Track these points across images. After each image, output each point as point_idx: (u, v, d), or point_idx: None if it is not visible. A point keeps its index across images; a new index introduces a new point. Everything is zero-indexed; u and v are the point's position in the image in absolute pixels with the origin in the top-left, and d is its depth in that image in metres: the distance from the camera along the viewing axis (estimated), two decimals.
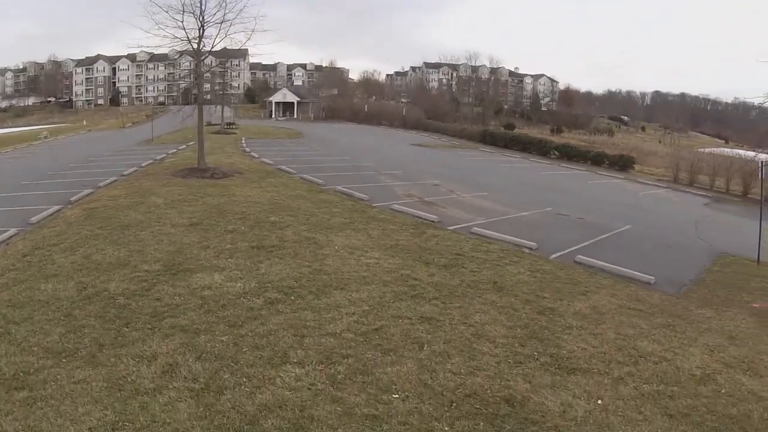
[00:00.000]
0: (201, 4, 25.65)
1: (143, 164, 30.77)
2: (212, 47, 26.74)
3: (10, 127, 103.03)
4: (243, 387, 7.46)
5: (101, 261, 12.84)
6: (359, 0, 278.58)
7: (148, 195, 20.91)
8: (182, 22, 25.30)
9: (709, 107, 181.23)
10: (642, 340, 9.88)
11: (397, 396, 7.37)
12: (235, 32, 26.04)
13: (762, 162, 19.31)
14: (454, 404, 7.28)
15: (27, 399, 7.19)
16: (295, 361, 8.23)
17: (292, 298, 10.81)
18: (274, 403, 7.07)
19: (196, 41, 26.06)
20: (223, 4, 26.01)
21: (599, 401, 7.61)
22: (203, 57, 27.81)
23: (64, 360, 8.23)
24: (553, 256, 15.38)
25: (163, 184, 23.63)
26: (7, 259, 13.43)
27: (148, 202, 19.39)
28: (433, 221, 18.44)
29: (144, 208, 18.37)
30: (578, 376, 8.28)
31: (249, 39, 26.97)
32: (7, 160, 40.34)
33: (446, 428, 6.74)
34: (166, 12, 25.15)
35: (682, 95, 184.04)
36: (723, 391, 8.16)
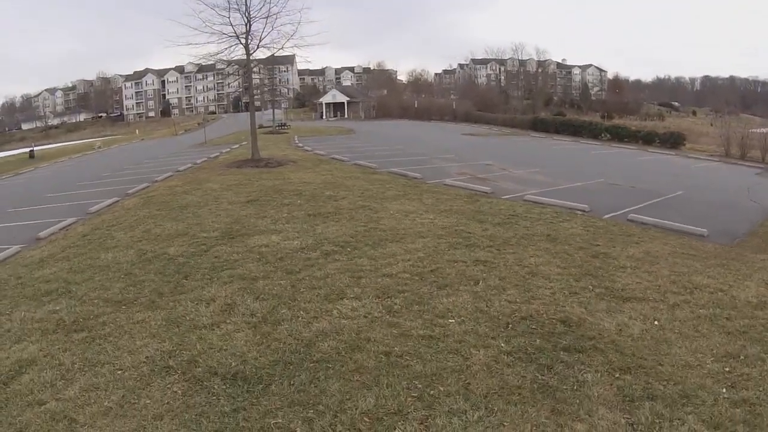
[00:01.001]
0: (246, 0, 26.08)
1: (198, 161, 31.22)
2: (260, 42, 27.09)
3: (63, 142, 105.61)
4: (300, 319, 7.51)
5: (160, 233, 13.11)
6: (403, 1, 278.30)
7: (205, 182, 21.25)
8: (229, 17, 25.76)
9: (759, 89, 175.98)
10: (696, 276, 9.62)
11: (453, 320, 7.32)
12: (281, 25, 26.38)
13: None
14: (510, 325, 7.19)
15: (85, 338, 7.40)
16: (351, 296, 8.25)
17: (349, 249, 10.84)
18: (330, 330, 7.10)
19: (244, 36, 26.46)
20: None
21: (656, 322, 7.46)
22: (252, 62, 28.29)
23: (123, 307, 8.44)
24: (606, 216, 15.03)
25: (218, 174, 23.99)
26: (67, 239, 13.77)
27: (205, 188, 19.71)
28: (486, 192, 18.22)
29: (201, 192, 18.68)
30: (633, 303, 8.13)
31: (296, 31, 27.22)
32: (64, 167, 41.53)
33: (503, 345, 6.66)
34: (213, 9, 25.66)
35: (732, 78, 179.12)
36: None
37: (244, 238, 12.08)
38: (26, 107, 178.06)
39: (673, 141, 45.74)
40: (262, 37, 27.00)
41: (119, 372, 6.39)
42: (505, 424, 5.10)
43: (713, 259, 11.03)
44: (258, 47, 27.31)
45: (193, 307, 8.13)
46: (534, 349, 6.58)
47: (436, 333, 6.93)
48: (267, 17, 26.56)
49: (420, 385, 5.74)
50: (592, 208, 15.70)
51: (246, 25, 26.42)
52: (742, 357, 6.54)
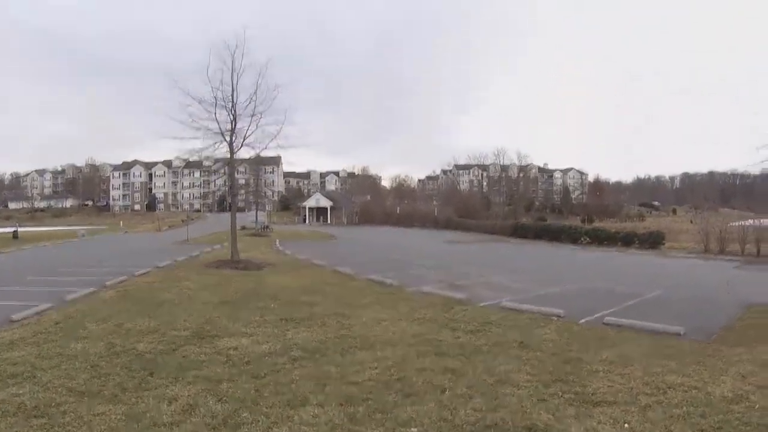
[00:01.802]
0: (233, 98, 27.03)
1: (178, 259, 31.37)
2: (244, 140, 27.83)
3: (49, 226, 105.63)
4: (260, 423, 7.44)
5: (132, 328, 13.12)
6: (388, 110, 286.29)
7: (182, 281, 21.37)
8: (215, 114, 26.61)
9: (737, 182, 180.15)
10: (670, 375, 9.60)
11: (415, 429, 7.29)
12: (266, 124, 27.23)
13: None
14: None
15: (44, 425, 7.33)
16: (314, 403, 8.20)
17: (317, 356, 10.83)
18: None
19: (228, 134, 27.23)
20: (254, 97, 27.40)
21: (626, 425, 7.41)
22: (237, 161, 29.04)
23: (86, 398, 8.35)
24: (582, 320, 15.04)
25: (196, 273, 24.13)
26: (39, 325, 13.70)
27: (181, 286, 19.84)
28: (461, 299, 18.26)
29: (177, 290, 18.80)
30: (604, 407, 8.08)
31: (279, 131, 27.99)
32: (46, 252, 41.68)
33: None
34: (200, 104, 26.55)
35: (711, 173, 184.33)
36: (757, 407, 7.93)
37: (214, 339, 12.08)
38: (14, 186, 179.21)
39: (653, 240, 46.83)
40: (247, 135, 27.95)
41: None
42: None
43: (689, 356, 11.04)
44: (242, 145, 28.26)
45: (155, 405, 8.05)
46: None
47: None
48: (252, 115, 27.62)
49: None
50: (568, 313, 15.72)
51: (231, 122, 27.49)
52: None
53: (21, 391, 8.61)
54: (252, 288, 19.36)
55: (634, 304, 17.90)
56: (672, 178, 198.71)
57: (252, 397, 8.46)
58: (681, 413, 7.77)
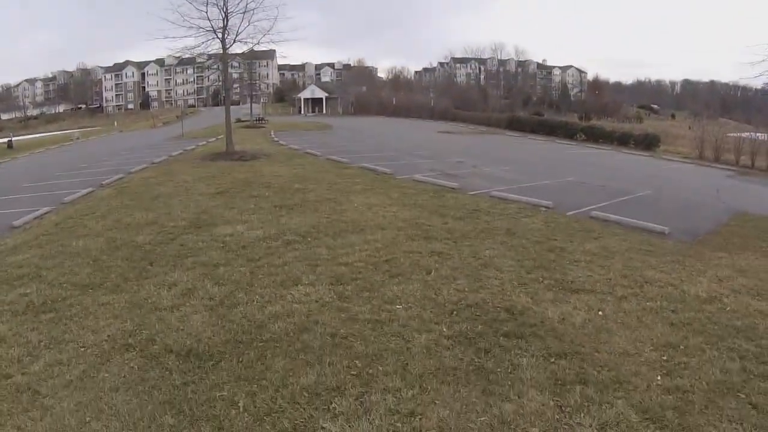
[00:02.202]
0: None
1: (174, 153, 31.45)
2: (236, 37, 27.48)
3: (42, 133, 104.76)
4: (255, 302, 7.93)
5: (130, 222, 13.50)
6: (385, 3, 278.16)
7: (178, 174, 21.61)
8: (206, 12, 26.13)
9: (738, 93, 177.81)
10: (649, 271, 9.93)
11: (400, 306, 7.75)
12: (258, 20, 26.81)
13: None
14: (455, 312, 7.61)
15: (53, 318, 7.79)
16: (306, 282, 8.68)
17: (309, 239, 11.28)
18: (282, 313, 7.52)
19: (221, 31, 26.82)
20: None
21: (600, 312, 7.82)
22: (229, 57, 28.67)
23: (90, 291, 8.82)
24: (570, 213, 15.30)
25: (192, 166, 24.34)
26: (40, 228, 14.07)
27: (177, 179, 20.07)
28: (453, 188, 18.57)
29: (173, 184, 19.06)
30: (581, 295, 8.48)
31: (272, 27, 27.56)
32: (41, 158, 41.68)
33: (445, 329, 7.07)
34: (191, 3, 26.03)
35: (712, 83, 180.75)
36: (728, 309, 8.23)
37: (210, 227, 12.48)
38: (5, 97, 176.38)
39: (648, 143, 46.40)
40: (239, 31, 27.46)
41: (82, 349, 6.77)
42: (436, 402, 5.49)
43: (670, 255, 11.27)
44: (234, 42, 27.75)
45: (156, 291, 8.52)
46: (475, 334, 6.98)
47: (382, 317, 7.36)
48: (244, 12, 27.10)
49: (360, 365, 6.15)
50: (557, 205, 15.96)
51: (223, 19, 26.91)
52: (682, 347, 6.84)
53: (28, 291, 9.01)
54: (247, 178, 19.64)
55: (623, 200, 18.12)
56: (673, 83, 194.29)
57: (247, 279, 8.93)
58: (654, 306, 8.15)
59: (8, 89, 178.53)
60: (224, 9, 26.74)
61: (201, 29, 26.50)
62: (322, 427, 5.05)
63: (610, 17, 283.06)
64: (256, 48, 29.76)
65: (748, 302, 8.51)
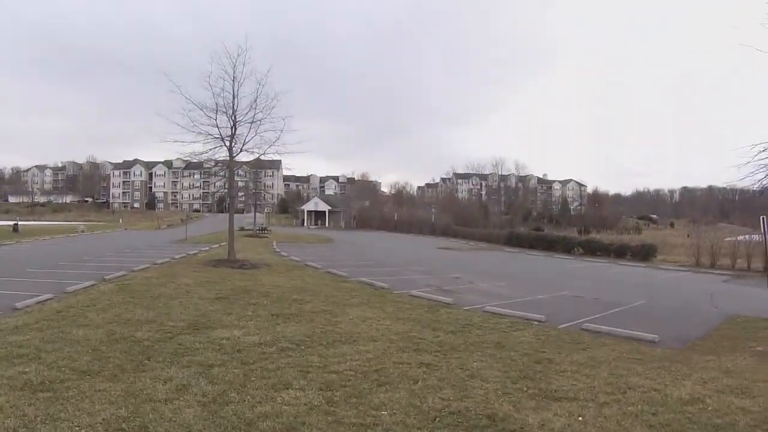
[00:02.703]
0: (233, 105, 27.80)
1: (176, 256, 32.13)
2: (243, 146, 28.60)
3: (49, 220, 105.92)
4: (246, 402, 8.23)
5: (130, 318, 13.91)
6: (388, 116, 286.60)
7: (179, 277, 22.13)
8: (215, 119, 27.37)
9: (737, 197, 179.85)
10: (634, 377, 10.21)
11: (385, 413, 8.04)
12: (264, 131, 27.94)
13: (763, 218, 19.38)
14: (438, 419, 7.89)
15: (50, 397, 8.10)
16: (296, 387, 8.99)
17: (302, 347, 11.63)
18: (271, 413, 7.81)
19: (228, 139, 27.97)
20: (254, 105, 28.14)
21: (580, 418, 8.07)
22: (236, 164, 29.80)
23: (87, 377, 9.14)
24: (561, 326, 15.66)
25: (193, 270, 24.88)
26: (42, 313, 14.46)
27: (178, 282, 20.58)
28: (447, 303, 18.96)
29: (174, 286, 19.55)
30: (563, 402, 8.75)
31: (278, 138, 28.68)
32: (46, 245, 42.51)
33: None
34: (201, 110, 27.28)
35: (710, 188, 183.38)
36: (710, 408, 8.47)
37: (208, 330, 12.86)
38: (14, 180, 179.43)
39: (645, 253, 47.32)
40: (246, 140, 28.61)
41: (77, 428, 7.05)
42: None
43: (657, 362, 11.54)
44: (241, 150, 28.86)
45: (151, 384, 8.84)
46: None
47: (367, 422, 7.65)
48: (252, 122, 28.30)
49: None
50: (549, 319, 16.33)
51: (231, 128, 28.11)
52: None
53: (27, 369, 9.37)
54: (246, 286, 20.13)
55: (616, 312, 18.47)
56: (671, 192, 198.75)
57: (240, 380, 9.25)
58: (635, 411, 8.39)
59: (18, 173, 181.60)
60: (233, 118, 28.07)
61: (210, 135, 27.76)
62: None
63: (609, 130, 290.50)
64: (262, 158, 30.94)
65: (731, 401, 8.78)
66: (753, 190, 16.33)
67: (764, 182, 15.73)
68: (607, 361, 11.55)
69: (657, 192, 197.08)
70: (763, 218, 19.24)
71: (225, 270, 25.44)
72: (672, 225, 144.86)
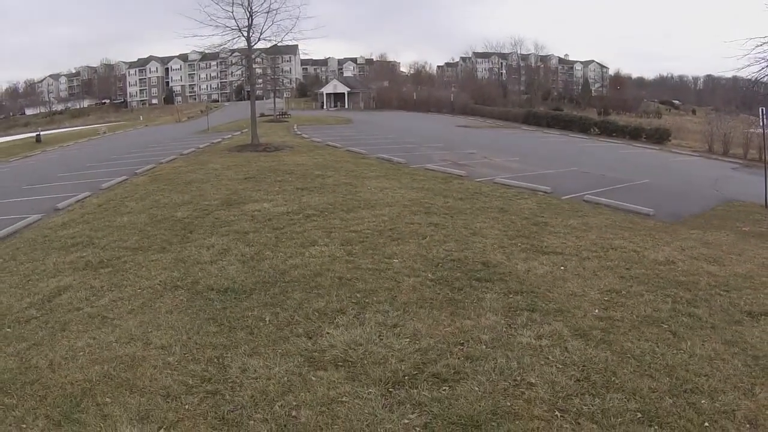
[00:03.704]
0: None
1: (201, 146, 33.12)
2: (261, 35, 29.15)
3: (68, 127, 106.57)
4: (279, 257, 9.68)
5: (168, 202, 15.29)
6: None
7: (207, 163, 23.40)
8: (232, 12, 27.87)
9: (762, 90, 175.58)
10: (619, 240, 11.33)
11: (396, 260, 9.44)
12: (281, 19, 28.44)
13: (762, 109, 19.53)
14: (440, 264, 9.29)
15: (111, 271, 9.61)
16: (321, 244, 10.43)
17: (326, 214, 13.01)
18: (301, 264, 9.27)
19: (246, 30, 28.56)
20: None
21: (562, 267, 9.37)
22: (254, 53, 30.37)
23: (140, 252, 10.65)
24: (564, 197, 16.61)
25: (220, 156, 26.11)
26: (84, 208, 15.83)
27: (207, 168, 21.84)
28: (460, 175, 20.03)
29: (203, 171, 20.82)
30: (550, 255, 10.04)
31: (294, 26, 29.20)
32: (71, 151, 43.59)
33: (429, 275, 8.76)
34: (217, 4, 27.78)
35: (734, 78, 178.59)
36: (679, 269, 9.56)
37: (240, 205, 14.25)
38: (30, 93, 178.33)
39: (659, 136, 47.15)
40: (263, 30, 29.04)
41: (139, 290, 8.53)
42: (414, 319, 7.12)
43: (645, 231, 12.49)
44: (259, 39, 29.39)
45: (196, 251, 10.31)
46: (453, 278, 8.63)
47: (381, 267, 9.06)
48: (268, 12, 28.67)
49: (359, 296, 7.84)
50: (554, 190, 17.25)
51: (248, 18, 28.48)
52: (624, 292, 8.27)
53: (84, 254, 10.85)
54: (272, 166, 21.38)
55: (619, 188, 19.13)
56: (695, 79, 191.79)
57: (272, 242, 10.70)
58: (611, 265, 9.61)
59: (32, 85, 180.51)
60: (249, 8, 28.45)
61: (227, 28, 28.23)
62: (327, 332, 6.73)
63: (633, 9, 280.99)
64: (278, 45, 31.50)
65: (701, 266, 9.79)
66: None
67: (757, 74, 16.03)
68: (598, 226, 12.64)
69: (681, 78, 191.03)
70: (762, 109, 19.21)
71: (250, 154, 26.60)
72: (694, 112, 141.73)
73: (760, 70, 15.53)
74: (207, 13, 27.66)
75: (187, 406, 5.31)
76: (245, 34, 28.72)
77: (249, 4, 28.34)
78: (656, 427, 4.96)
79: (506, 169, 22.67)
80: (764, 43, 14.90)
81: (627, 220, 13.75)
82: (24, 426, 5.15)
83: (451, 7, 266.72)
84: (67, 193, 18.33)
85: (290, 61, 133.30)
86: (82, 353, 6.48)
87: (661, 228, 13.15)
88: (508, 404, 5.27)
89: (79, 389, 5.69)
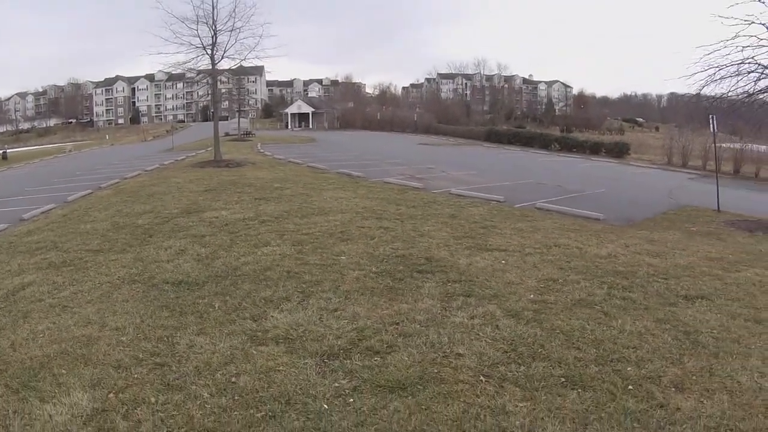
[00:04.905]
0: (213, 15, 28.83)
1: (165, 162, 33.54)
2: (224, 53, 29.76)
3: (35, 146, 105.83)
4: (232, 256, 10.23)
5: (130, 212, 15.71)
6: (375, 15, 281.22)
7: (170, 178, 23.85)
8: (197, 30, 28.45)
9: (725, 105, 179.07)
10: (563, 239, 11.92)
11: (344, 257, 10.04)
12: (245, 37, 28.98)
13: (712, 117, 20.24)
14: (384, 260, 9.90)
15: (72, 269, 10.06)
16: (274, 245, 11.00)
17: (281, 219, 13.57)
18: (252, 261, 9.83)
19: (210, 47, 29.13)
20: (233, 14, 29.14)
21: (503, 261, 9.97)
22: (218, 73, 30.94)
23: (101, 253, 11.11)
24: (517, 205, 17.11)
25: (183, 171, 26.59)
26: (49, 218, 16.13)
27: (170, 182, 22.29)
28: (416, 187, 20.63)
29: (166, 185, 21.28)
30: (493, 252, 10.61)
31: (257, 44, 29.90)
32: (38, 167, 43.67)
33: (373, 269, 9.34)
34: (183, 22, 28.35)
35: (698, 95, 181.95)
36: (620, 261, 10.14)
37: (199, 213, 14.75)
38: None
39: (618, 150, 48.63)
40: (227, 48, 29.66)
41: (99, 284, 9.01)
42: (354, 304, 7.69)
43: (592, 232, 13.03)
44: (222, 57, 30.00)
45: (155, 252, 10.82)
46: (395, 271, 9.22)
47: (329, 262, 9.65)
48: (231, 30, 29.30)
49: (305, 286, 8.41)
50: (508, 199, 17.77)
51: (212, 36, 29.12)
52: (560, 281, 8.82)
53: (48, 256, 11.25)
54: (232, 179, 21.88)
55: (573, 197, 19.83)
56: (659, 97, 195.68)
57: (227, 244, 11.25)
58: (552, 259, 10.22)
59: None
60: (213, 27, 29.08)
61: (192, 45, 28.82)
62: (272, 316, 7.29)
63: (599, 29, 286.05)
64: (243, 64, 32.12)
65: (642, 259, 10.39)
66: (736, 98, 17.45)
67: (703, 83, 16.77)
68: (545, 229, 13.24)
69: (644, 96, 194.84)
70: (712, 117, 20.07)
71: (212, 169, 27.06)
72: (657, 129, 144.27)
73: (707, 77, 16.24)
74: (173, 30, 28.22)
75: (136, 375, 5.82)
76: (209, 52, 29.29)
77: (213, 23, 28.98)
78: (579, 390, 5.41)
79: (463, 181, 23.30)
80: (714, 51, 15.66)
81: (576, 224, 14.26)
82: None
83: (417, 29, 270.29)
84: (33, 206, 18.54)
85: (256, 81, 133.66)
86: (42, 335, 6.96)
87: (609, 230, 13.74)
88: (435, 371, 5.81)
89: (37, 363, 6.18)
